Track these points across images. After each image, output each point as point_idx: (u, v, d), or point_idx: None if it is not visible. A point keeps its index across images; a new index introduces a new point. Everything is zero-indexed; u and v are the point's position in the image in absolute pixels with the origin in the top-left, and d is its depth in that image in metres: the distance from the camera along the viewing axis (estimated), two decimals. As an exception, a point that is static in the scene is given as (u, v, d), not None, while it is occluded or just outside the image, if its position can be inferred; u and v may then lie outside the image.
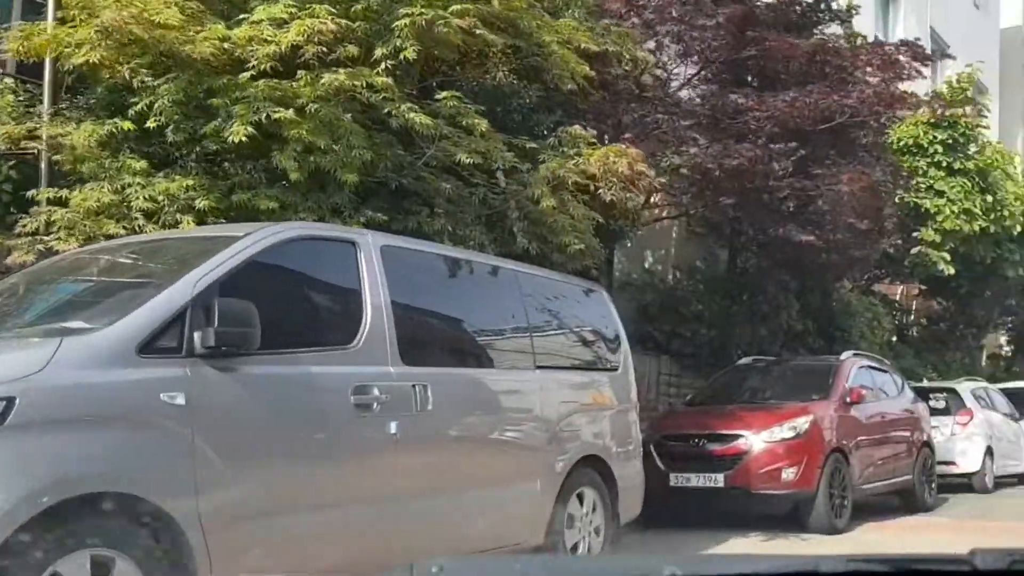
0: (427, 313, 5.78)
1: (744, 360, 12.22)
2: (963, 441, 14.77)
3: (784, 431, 10.01)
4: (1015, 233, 19.04)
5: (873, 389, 11.91)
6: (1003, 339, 27.75)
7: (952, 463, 14.62)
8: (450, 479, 5.46)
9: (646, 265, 14.18)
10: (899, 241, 18.11)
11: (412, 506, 5.12)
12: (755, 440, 9.96)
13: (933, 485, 12.84)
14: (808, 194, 10.87)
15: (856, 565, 1.70)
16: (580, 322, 7.25)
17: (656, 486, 10.18)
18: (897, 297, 20.85)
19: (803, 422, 10.10)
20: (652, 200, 12.41)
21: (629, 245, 14.50)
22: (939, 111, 16.00)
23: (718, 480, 9.90)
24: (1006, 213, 18.25)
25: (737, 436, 10.04)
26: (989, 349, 26.26)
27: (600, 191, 7.34)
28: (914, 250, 17.25)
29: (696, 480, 9.98)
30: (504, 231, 7.23)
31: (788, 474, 9.85)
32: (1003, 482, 15.81)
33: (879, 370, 12.47)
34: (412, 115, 6.38)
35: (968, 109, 17.32)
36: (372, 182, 6.88)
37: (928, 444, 12.85)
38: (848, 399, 10.93)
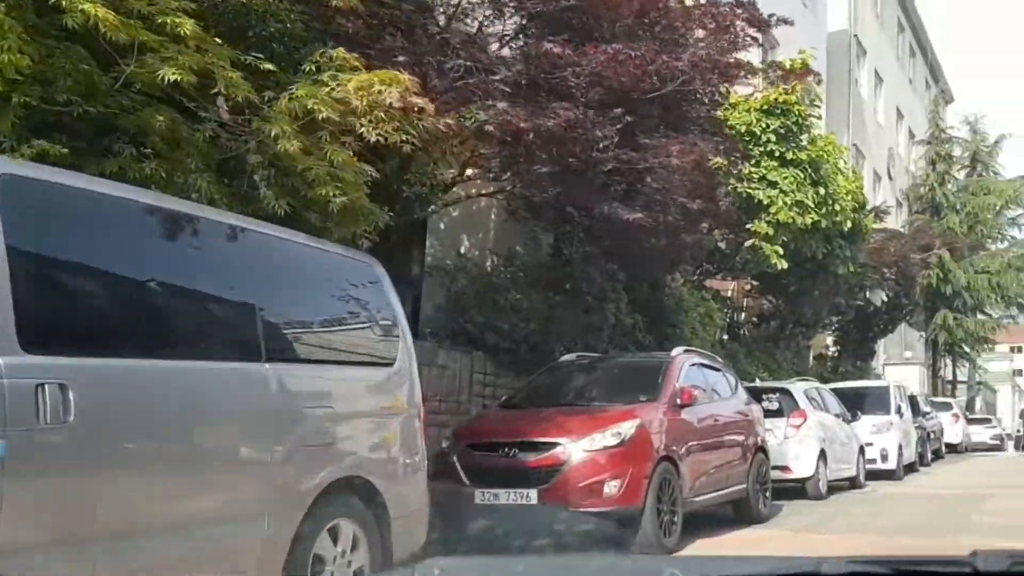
0: (85, 278, 3.98)
1: (566, 357, 10.82)
2: (797, 445, 13.87)
3: (607, 438, 8.60)
4: (846, 229, 18.53)
5: (706, 389, 10.73)
6: (829, 339, 27.70)
7: (786, 468, 13.69)
8: (107, 524, 3.69)
9: (462, 250, 12.64)
10: (731, 235, 17.27)
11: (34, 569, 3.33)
12: (574, 449, 8.51)
13: (767, 494, 11.78)
14: (635, 168, 9.58)
15: (857, 567, 1.77)
16: (341, 302, 5.58)
17: (459, 505, 8.72)
18: (729, 294, 20.10)
19: (628, 427, 8.73)
20: (467, 174, 10.89)
21: (443, 227, 12.95)
22: (775, 83, 15.16)
23: (531, 497, 8.40)
24: (837, 208, 17.66)
25: (554, 444, 8.57)
26: (816, 349, 26.08)
27: (364, 130, 5.67)
28: (747, 243, 16.39)
29: (506, 497, 8.45)
30: (244, 182, 5.50)
31: (611, 487, 8.45)
32: (835, 486, 15.07)
33: (712, 368, 11.31)
34: (87, 5, 4.52)
35: (800, 94, 16.60)
36: (58, 109, 5.02)
37: (763, 449, 11.78)
38: (679, 400, 9.65)
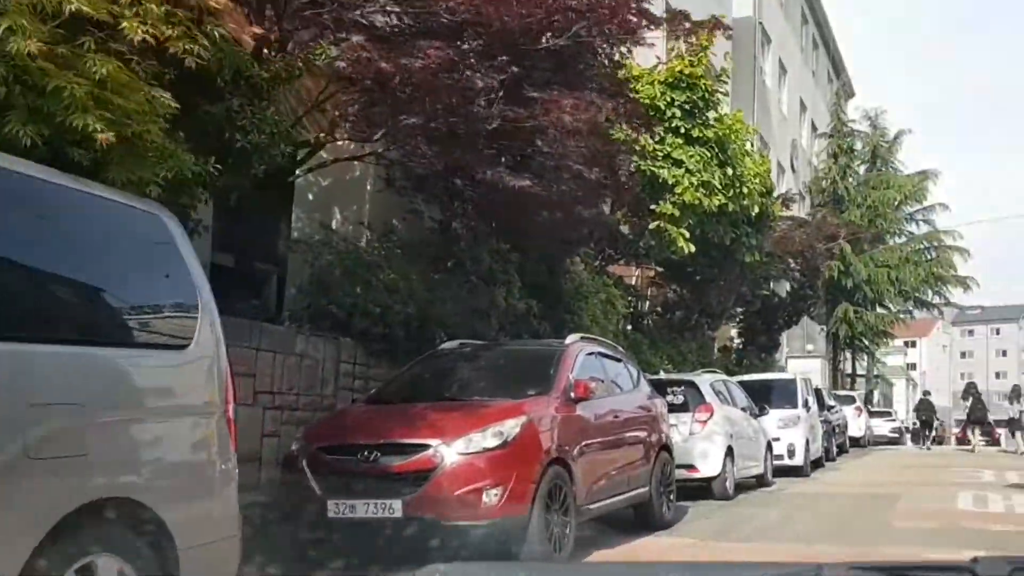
0: None
1: (447, 345, 9.47)
2: (703, 442, 12.80)
3: (487, 438, 7.29)
4: (753, 214, 17.62)
5: (605, 382, 9.51)
6: (734, 331, 26.98)
7: (691, 467, 12.63)
8: None
9: (333, 225, 11.20)
10: (635, 218, 16.18)
11: None
12: (447, 451, 7.17)
13: (672, 496, 10.64)
14: (523, 127, 8.28)
15: (858, 573, 1.80)
16: (109, 263, 4.12)
17: (311, 518, 7.33)
18: (634, 281, 19.05)
19: (513, 425, 7.43)
20: (337, 135, 9.47)
21: (312, 198, 11.49)
22: (683, 36, 14.06)
23: (395, 509, 7.04)
24: (744, 190, 16.70)
25: (423, 447, 7.22)
26: (720, 341, 25.31)
27: (126, 26, 4.21)
28: (651, 225, 15.29)
29: (364, 509, 7.07)
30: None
31: (491, 496, 7.14)
32: (742, 484, 14.09)
33: (612, 359, 10.11)
34: None
35: (707, 67, 15.57)
36: None
37: (667, 447, 10.63)
38: (573, 394, 8.40)
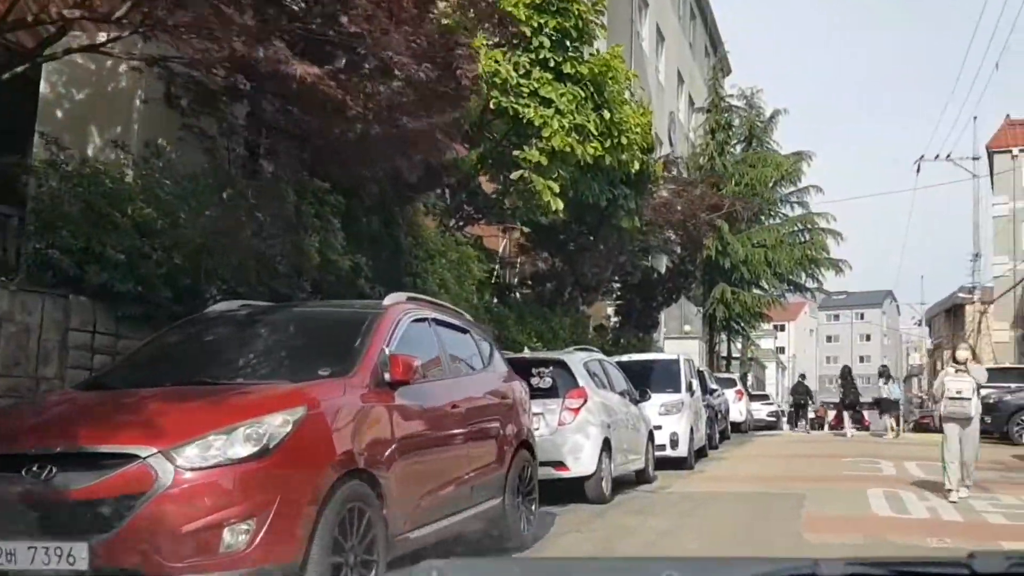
0: None
1: (219, 306, 6.77)
2: (575, 434, 10.45)
3: (235, 443, 4.65)
4: (632, 171, 15.30)
5: (440, 359, 7.01)
6: (610, 309, 24.91)
7: (560, 465, 10.27)
8: None
9: (91, 151, 8.34)
10: (497, 170, 13.72)
11: None
12: (166, 465, 4.51)
13: (534, 507, 8.21)
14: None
15: (855, 568, 1.74)
16: None
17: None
18: (501, 251, 16.59)
19: (280, 423, 4.81)
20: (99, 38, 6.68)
21: (62, 115, 8.61)
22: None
23: (79, 557, 4.35)
24: (624, 141, 14.35)
25: (127, 457, 4.53)
26: (596, 319, 23.18)
27: None
28: (515, 174, 12.82)
29: (29, 558, 4.36)
30: None
31: (238, 535, 4.52)
32: (620, 481, 11.85)
33: (453, 328, 7.58)
34: None
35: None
36: None
37: (528, 444, 8.19)
38: (388, 375, 5.83)
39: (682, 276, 23.72)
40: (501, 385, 8.07)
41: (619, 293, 23.93)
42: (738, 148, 42.19)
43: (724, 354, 45.30)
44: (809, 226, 41.91)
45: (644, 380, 15.49)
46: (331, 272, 8.88)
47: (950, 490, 10.93)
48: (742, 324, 43.29)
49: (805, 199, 42.63)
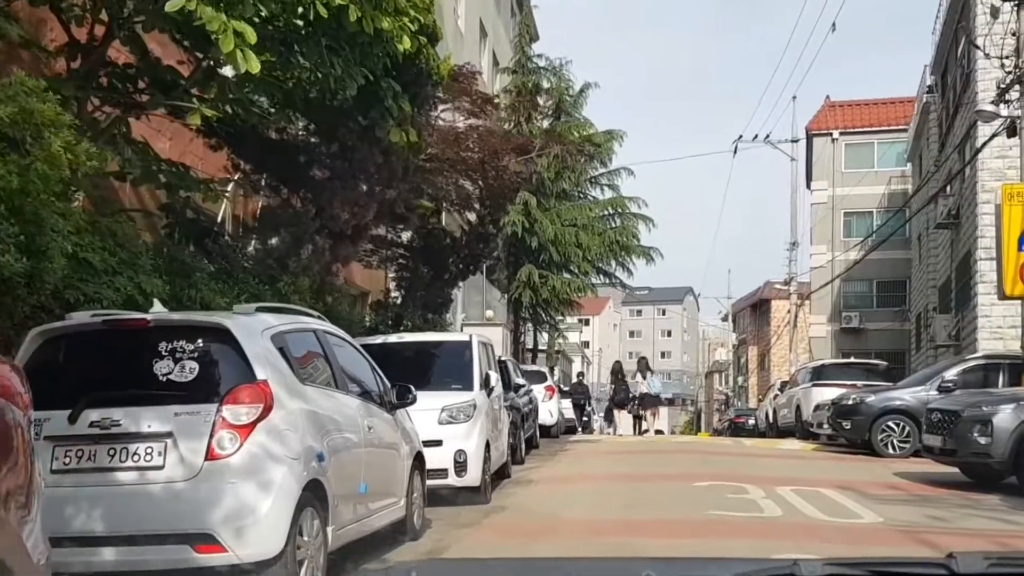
0: None
1: None
2: (241, 479, 4.99)
3: None
4: (401, 51, 9.78)
5: None
6: (393, 283, 19.60)
7: (206, 542, 4.80)
8: None
9: None
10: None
11: None
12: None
13: None
14: None
15: (834, 569, 1.73)
16: None
17: None
18: (203, 172, 10.82)
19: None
20: None
21: None
22: None
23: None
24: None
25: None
26: (375, 293, 17.77)
27: None
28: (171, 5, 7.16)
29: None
30: None
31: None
32: (355, 548, 6.55)
33: None
34: None
35: None
36: None
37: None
38: None
39: (481, 242, 18.60)
40: None
41: (403, 262, 18.61)
42: (546, 124, 37.80)
43: (530, 346, 40.93)
44: (620, 210, 38.08)
45: (419, 372, 10.33)
46: None
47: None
48: (550, 312, 38.93)
49: (616, 182, 38.84)
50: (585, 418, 30.57)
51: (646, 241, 37.92)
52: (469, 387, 10.58)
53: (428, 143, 13.08)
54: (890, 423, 17.15)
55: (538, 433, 18.40)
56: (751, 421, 35.32)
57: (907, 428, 17.04)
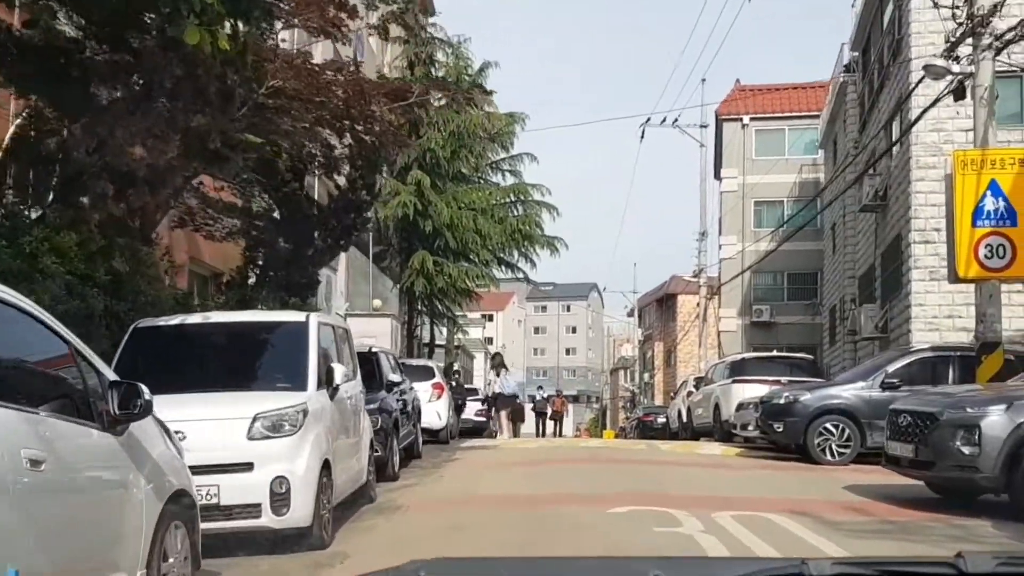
0: None
1: None
2: None
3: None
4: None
5: None
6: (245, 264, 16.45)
7: None
8: None
9: None
10: None
11: None
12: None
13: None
14: None
15: (842, 568, 1.67)
16: None
17: None
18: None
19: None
20: None
21: None
22: None
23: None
24: None
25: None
26: (226, 270, 14.61)
27: None
28: None
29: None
30: None
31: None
32: None
33: None
34: None
35: None
36: None
37: None
38: None
39: (353, 211, 15.55)
40: None
41: (255, 234, 15.48)
42: (443, 101, 34.78)
43: (427, 340, 38.00)
44: (522, 197, 35.39)
45: (230, 366, 7.36)
46: None
47: None
48: (447, 303, 36.03)
49: (518, 168, 36.14)
50: (481, 417, 27.72)
51: (550, 231, 35.40)
52: (301, 386, 7.59)
53: (268, 71, 10.04)
54: (828, 425, 14.75)
55: (420, 440, 15.46)
56: (660, 419, 32.95)
57: (847, 431, 14.68)
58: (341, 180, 15.76)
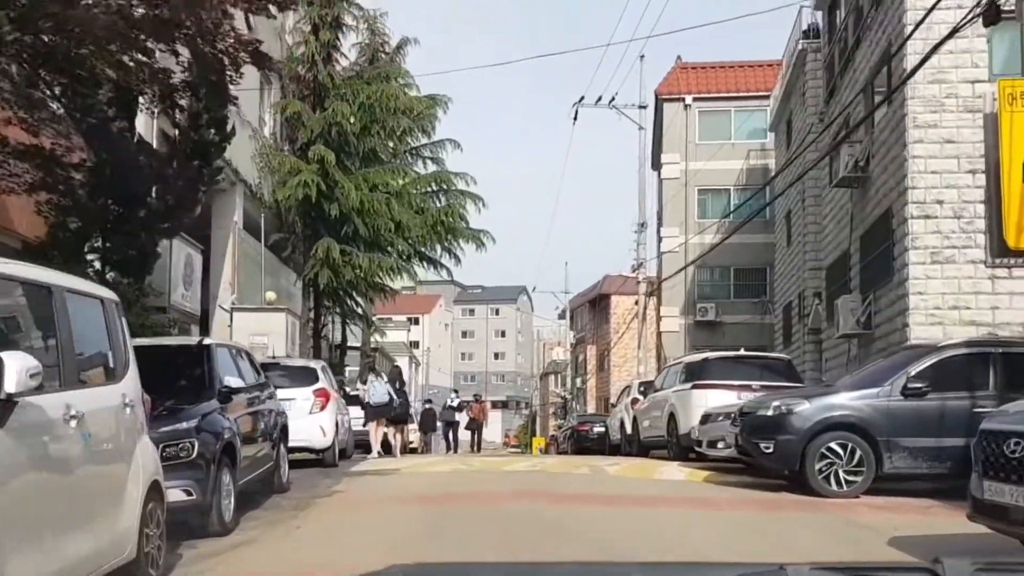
0: None
1: None
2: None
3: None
4: None
5: None
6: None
7: None
8: None
9: None
10: None
11: None
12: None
13: None
14: None
15: (821, 574, 1.71)
16: None
17: None
18: None
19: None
20: None
21: None
22: None
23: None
24: None
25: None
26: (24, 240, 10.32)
27: None
28: None
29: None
30: None
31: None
32: None
33: None
34: None
35: None
36: None
37: None
38: None
39: (199, 155, 11.39)
40: None
41: (63, 187, 11.26)
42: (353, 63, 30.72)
43: (338, 342, 33.80)
44: (445, 186, 31.40)
45: None
46: None
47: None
48: (356, 298, 31.81)
49: (440, 155, 32.13)
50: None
51: (476, 224, 31.46)
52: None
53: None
54: (834, 445, 11.10)
55: (286, 469, 11.33)
56: (598, 429, 29.15)
57: (858, 452, 11.05)
58: (179, 115, 11.55)
